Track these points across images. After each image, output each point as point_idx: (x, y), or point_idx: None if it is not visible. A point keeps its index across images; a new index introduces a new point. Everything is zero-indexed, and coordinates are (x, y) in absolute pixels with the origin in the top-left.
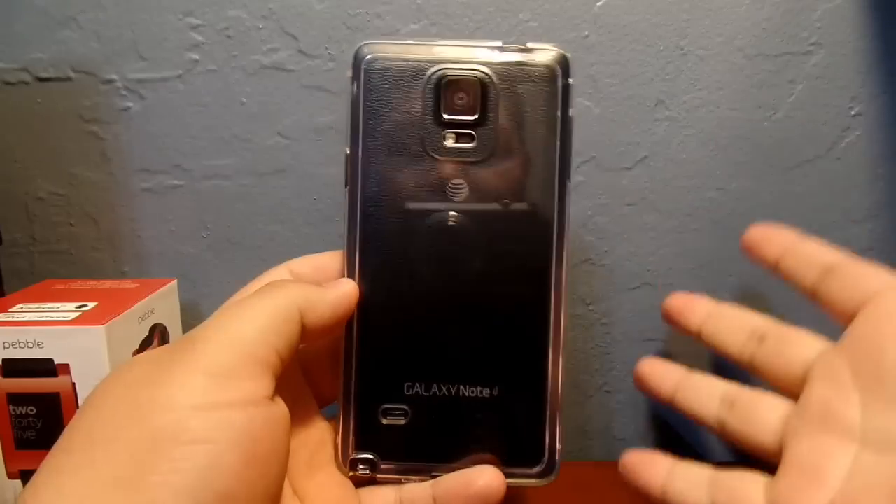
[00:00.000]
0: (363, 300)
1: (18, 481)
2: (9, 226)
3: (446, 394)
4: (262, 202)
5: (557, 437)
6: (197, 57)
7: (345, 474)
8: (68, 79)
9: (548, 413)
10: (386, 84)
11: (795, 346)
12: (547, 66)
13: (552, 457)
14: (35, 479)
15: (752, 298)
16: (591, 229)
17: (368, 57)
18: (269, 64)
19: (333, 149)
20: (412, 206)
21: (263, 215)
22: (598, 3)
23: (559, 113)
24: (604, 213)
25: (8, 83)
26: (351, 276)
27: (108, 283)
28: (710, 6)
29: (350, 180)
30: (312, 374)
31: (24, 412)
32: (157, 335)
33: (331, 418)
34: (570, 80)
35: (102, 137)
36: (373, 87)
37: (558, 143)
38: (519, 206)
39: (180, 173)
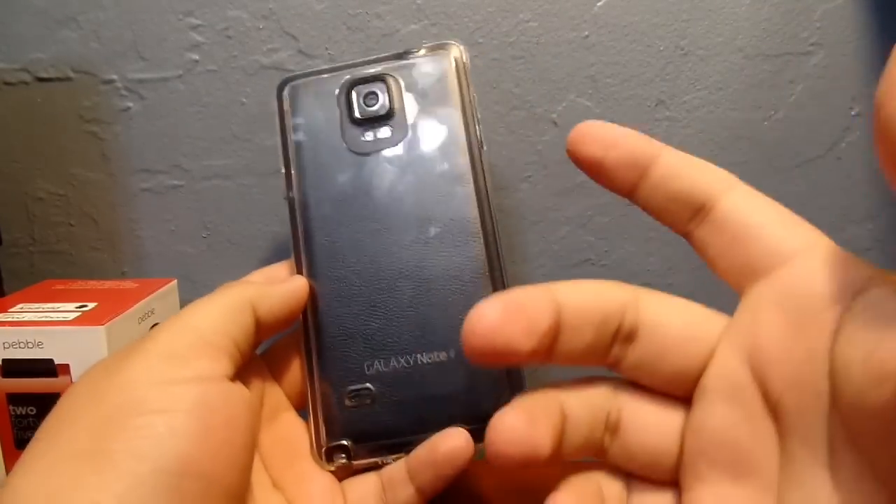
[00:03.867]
0: (314, 292)
1: None
2: (9, 226)
3: (405, 365)
4: (262, 202)
5: (524, 388)
6: (197, 57)
7: (323, 468)
8: (68, 79)
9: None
10: (305, 102)
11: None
12: (444, 54)
13: None
14: (10, 474)
15: None
16: (592, 229)
17: (288, 85)
18: (269, 64)
19: None
20: (345, 198)
21: (263, 215)
22: (598, 3)
23: (461, 92)
24: (604, 213)
25: (8, 83)
26: (299, 271)
27: (108, 284)
28: (710, 6)
29: (287, 189)
30: (282, 376)
31: (24, 412)
32: None
33: (307, 418)
34: (466, 62)
35: (102, 137)
36: (294, 108)
37: (465, 118)
38: (441, 176)
39: (180, 173)
